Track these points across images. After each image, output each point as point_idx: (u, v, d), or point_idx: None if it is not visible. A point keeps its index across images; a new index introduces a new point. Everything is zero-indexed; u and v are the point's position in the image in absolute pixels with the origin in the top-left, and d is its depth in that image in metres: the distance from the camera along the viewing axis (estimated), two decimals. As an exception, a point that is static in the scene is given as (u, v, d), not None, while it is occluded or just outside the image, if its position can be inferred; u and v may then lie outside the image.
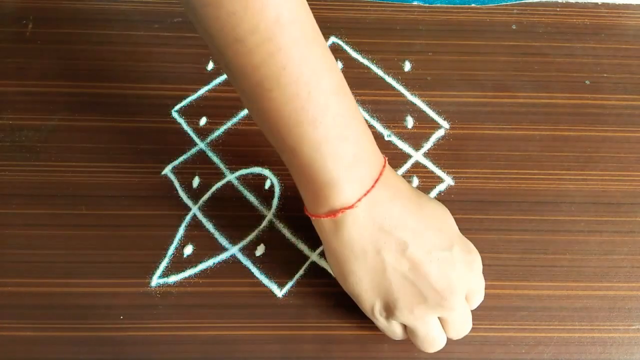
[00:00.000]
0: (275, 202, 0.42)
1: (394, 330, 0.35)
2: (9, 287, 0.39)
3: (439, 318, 0.34)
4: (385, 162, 0.34)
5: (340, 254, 0.34)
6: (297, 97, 0.30)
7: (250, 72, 0.30)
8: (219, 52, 0.31)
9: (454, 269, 0.34)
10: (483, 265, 0.41)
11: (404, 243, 0.33)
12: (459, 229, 0.42)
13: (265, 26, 0.29)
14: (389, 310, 0.34)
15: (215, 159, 0.44)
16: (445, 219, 0.36)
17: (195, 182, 0.43)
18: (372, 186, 0.33)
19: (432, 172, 0.44)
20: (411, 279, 0.33)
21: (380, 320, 0.35)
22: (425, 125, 0.46)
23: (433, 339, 0.35)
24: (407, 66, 0.48)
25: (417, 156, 0.45)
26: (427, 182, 0.43)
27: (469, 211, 0.42)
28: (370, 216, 0.33)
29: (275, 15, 0.29)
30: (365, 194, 0.32)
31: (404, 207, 0.34)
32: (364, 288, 0.34)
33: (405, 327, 0.35)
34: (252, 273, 0.40)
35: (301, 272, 0.40)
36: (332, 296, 0.39)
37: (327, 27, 0.50)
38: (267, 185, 0.43)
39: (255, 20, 0.29)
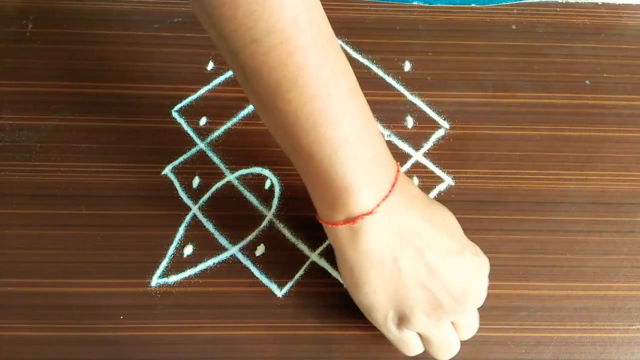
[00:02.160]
0: (275, 202, 0.42)
1: (408, 339, 0.34)
2: (9, 287, 0.39)
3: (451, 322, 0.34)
4: (398, 167, 0.34)
5: (356, 263, 0.33)
6: (315, 99, 0.30)
7: (267, 74, 0.29)
8: (234, 53, 0.30)
9: (466, 273, 0.34)
10: (483, 265, 0.41)
11: (420, 250, 0.32)
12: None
13: (282, 26, 0.28)
14: (404, 319, 0.33)
15: (215, 159, 0.44)
16: (453, 223, 0.35)
17: (195, 182, 0.43)
18: (390, 191, 0.32)
19: (432, 172, 0.44)
20: (427, 284, 0.32)
21: (392, 331, 0.34)
22: (425, 125, 0.46)
23: (448, 345, 0.34)
24: (407, 66, 0.48)
25: (417, 156, 0.45)
26: (427, 182, 0.43)
27: (469, 211, 0.42)
28: (388, 223, 0.32)
29: (293, 16, 0.28)
30: (383, 199, 0.32)
31: (419, 213, 0.33)
32: (379, 298, 0.33)
33: (418, 337, 0.35)
34: (252, 273, 0.40)
35: (301, 272, 0.40)
36: (332, 296, 0.39)
37: (327, 27, 0.50)
38: (267, 185, 0.43)
39: (273, 20, 0.28)
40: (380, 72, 0.48)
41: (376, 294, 0.33)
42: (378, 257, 0.32)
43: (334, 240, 0.34)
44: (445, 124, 0.46)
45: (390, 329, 0.34)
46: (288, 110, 0.30)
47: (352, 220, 0.32)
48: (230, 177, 0.43)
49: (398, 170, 0.33)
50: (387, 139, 0.45)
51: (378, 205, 0.32)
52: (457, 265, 0.33)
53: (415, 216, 0.33)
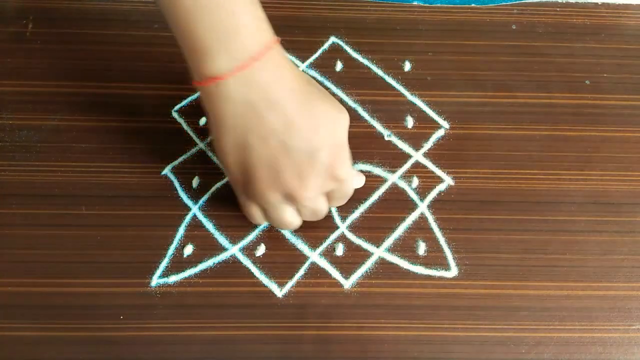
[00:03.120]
0: (275, 202, 0.42)
1: (250, 209, 0.37)
2: (9, 287, 0.39)
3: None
4: (273, 44, 0.33)
5: (214, 124, 0.34)
6: None
7: None
8: None
9: (312, 172, 0.34)
10: (483, 265, 0.41)
11: (272, 130, 0.33)
12: (460, 229, 0.42)
13: None
14: (247, 190, 0.35)
15: (215, 159, 0.44)
16: (333, 121, 0.35)
17: (195, 182, 0.43)
18: (249, 63, 0.32)
19: (432, 172, 0.44)
20: (272, 166, 0.33)
21: (240, 196, 0.37)
22: (425, 125, 0.46)
23: (283, 224, 0.37)
24: (407, 66, 0.48)
25: (417, 156, 0.45)
26: (427, 182, 0.43)
27: (469, 211, 0.42)
28: (244, 93, 0.32)
29: None
30: (238, 69, 0.32)
31: (286, 94, 0.33)
32: (230, 162, 0.35)
33: (259, 210, 0.37)
34: (252, 273, 0.40)
35: (301, 272, 0.40)
36: (332, 296, 0.39)
37: (327, 27, 0.50)
38: (267, 185, 0.43)
39: None
40: (380, 72, 0.48)
41: (228, 158, 0.35)
42: (231, 124, 0.33)
43: (201, 98, 0.35)
44: (445, 124, 0.46)
45: (238, 194, 0.37)
46: None
47: (205, 81, 0.32)
48: (230, 177, 0.43)
49: (269, 46, 0.33)
50: (387, 139, 0.45)
51: (231, 73, 0.32)
52: (305, 163, 0.33)
53: (281, 96, 0.33)
